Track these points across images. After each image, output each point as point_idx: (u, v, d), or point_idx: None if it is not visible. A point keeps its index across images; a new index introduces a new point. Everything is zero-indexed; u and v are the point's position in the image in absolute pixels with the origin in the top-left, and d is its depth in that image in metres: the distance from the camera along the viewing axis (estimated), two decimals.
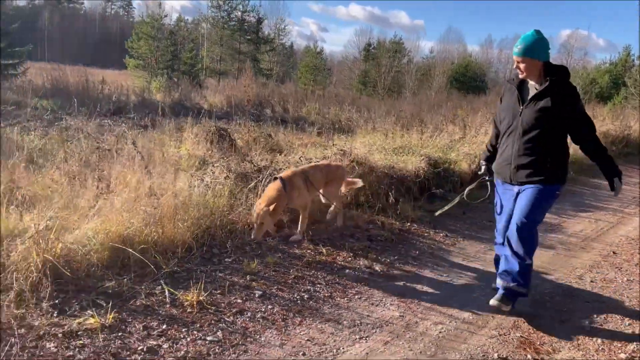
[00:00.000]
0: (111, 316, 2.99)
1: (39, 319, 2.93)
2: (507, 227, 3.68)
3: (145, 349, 2.81)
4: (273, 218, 4.36)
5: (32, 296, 3.09)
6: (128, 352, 2.77)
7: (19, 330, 2.80)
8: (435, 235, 5.41)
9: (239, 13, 31.10)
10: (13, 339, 2.72)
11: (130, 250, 3.68)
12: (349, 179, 5.37)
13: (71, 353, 2.69)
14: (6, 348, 2.65)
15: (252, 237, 4.32)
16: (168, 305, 3.29)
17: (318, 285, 3.90)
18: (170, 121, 13.14)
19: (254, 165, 5.56)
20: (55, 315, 2.99)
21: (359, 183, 5.32)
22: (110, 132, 10.15)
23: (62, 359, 2.63)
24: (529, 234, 3.50)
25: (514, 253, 3.54)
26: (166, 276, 3.64)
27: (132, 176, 4.78)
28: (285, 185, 4.45)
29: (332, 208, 5.20)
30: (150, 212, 4.06)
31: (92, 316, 2.98)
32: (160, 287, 3.49)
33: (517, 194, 3.57)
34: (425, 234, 5.43)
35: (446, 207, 4.49)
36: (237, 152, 7.60)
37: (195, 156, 7.06)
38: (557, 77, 3.36)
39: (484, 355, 3.13)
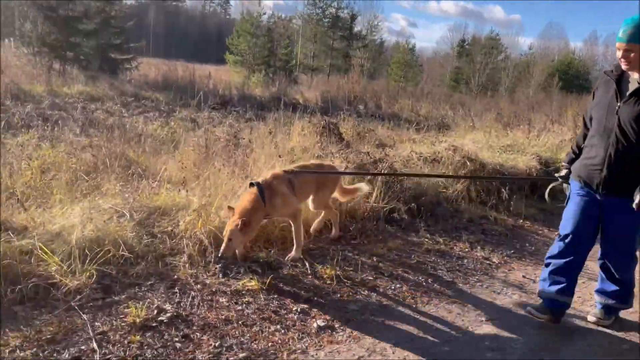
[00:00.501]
0: (268, 281, 3.48)
1: (209, 278, 3.49)
2: (577, 236, 3.22)
3: (299, 310, 3.26)
4: (245, 236, 3.58)
5: (201, 260, 3.66)
6: (285, 311, 3.24)
7: (195, 286, 3.37)
8: (550, 234, 5.46)
9: (334, 10, 31.75)
10: (192, 292, 3.29)
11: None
12: (348, 187, 4.64)
13: (240, 307, 3.20)
14: (189, 299, 3.21)
15: (220, 254, 3.51)
16: (310, 276, 3.74)
17: (440, 271, 4.18)
18: (273, 114, 13.93)
19: (370, 157, 5.91)
20: (220, 276, 3.53)
21: (363, 189, 4.54)
22: (220, 123, 11.03)
23: (234, 311, 3.15)
24: (629, 261, 3.30)
25: (614, 279, 3.35)
26: (303, 252, 4.09)
27: (264, 163, 5.35)
28: (262, 192, 3.67)
29: (320, 217, 4.49)
30: None
31: (252, 279, 3.49)
32: (300, 260, 3.95)
33: (602, 206, 3.13)
34: (540, 232, 5.51)
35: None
36: (346, 145, 8.04)
37: (305, 148, 7.56)
38: None
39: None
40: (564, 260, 3.29)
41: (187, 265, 3.55)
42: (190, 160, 6.01)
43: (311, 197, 4.24)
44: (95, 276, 3.17)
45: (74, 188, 4.52)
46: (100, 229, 3.57)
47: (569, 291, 3.34)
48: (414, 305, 3.56)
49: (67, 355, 2.54)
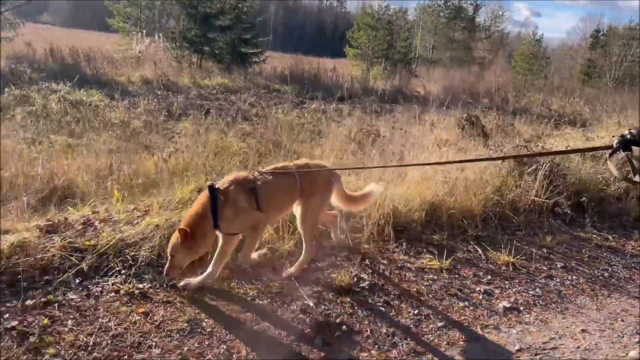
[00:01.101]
0: (448, 262, 3.73)
1: (391, 254, 3.82)
2: None
3: (482, 290, 3.47)
4: (189, 250, 2.93)
5: (379, 238, 4.01)
6: (468, 290, 3.47)
7: (382, 261, 3.72)
8: None
9: (456, 1, 31.00)
10: (382, 266, 3.64)
11: (439, 213, 4.43)
12: (354, 193, 3.66)
13: (426, 283, 3.50)
14: (380, 271, 3.56)
15: (164, 273, 2.94)
16: (484, 261, 3.92)
17: (614, 267, 4.14)
18: (398, 107, 14.08)
19: (527, 150, 5.90)
20: (401, 254, 3.85)
21: (375, 193, 3.61)
22: (348, 115, 11.43)
23: (422, 286, 3.44)
24: None
25: None
26: (472, 238, 4.27)
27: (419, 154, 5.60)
28: (215, 199, 2.95)
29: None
30: (449, 183, 4.77)
31: (432, 259, 3.76)
32: (471, 245, 4.14)
33: None
34: None
35: None
36: (488, 138, 8.03)
37: (446, 141, 7.66)
38: None
39: None
40: None
41: (371, 242, 3.91)
42: (337, 149, 6.49)
43: (298, 211, 3.32)
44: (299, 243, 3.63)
45: (248, 168, 5.12)
46: None
47: None
48: (594, 297, 3.60)
49: (294, 307, 3.00)
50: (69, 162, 5.21)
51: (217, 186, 2.99)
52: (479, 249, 4.07)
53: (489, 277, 3.70)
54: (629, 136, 2.11)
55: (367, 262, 3.65)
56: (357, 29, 29.14)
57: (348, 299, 3.14)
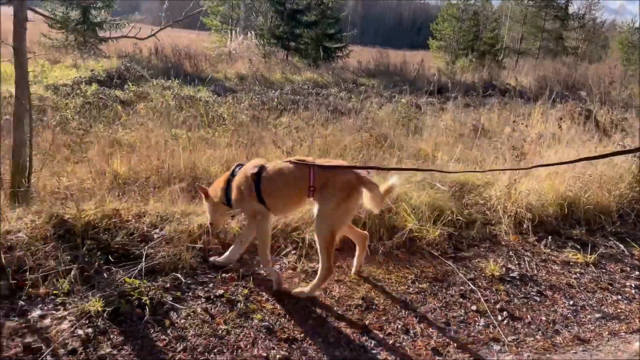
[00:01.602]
0: (592, 256, 3.79)
1: (532, 247, 3.93)
2: None
3: (633, 285, 3.52)
4: (213, 208, 3.24)
5: (516, 230, 4.12)
6: (619, 285, 3.53)
7: (526, 253, 3.84)
8: None
9: None
10: (526, 257, 3.77)
11: (575, 208, 4.46)
12: (377, 189, 2.94)
13: (575, 276, 3.59)
14: (525, 263, 3.70)
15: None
16: (629, 257, 3.94)
17: None
18: (493, 101, 13.77)
19: None
20: (542, 247, 3.95)
21: (395, 184, 3.04)
22: (441, 109, 11.38)
23: (572, 278, 3.54)
24: None
25: None
26: (610, 234, 4.28)
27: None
28: (232, 176, 3.14)
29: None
30: (582, 179, 4.76)
31: (576, 253, 3.84)
32: (611, 241, 4.16)
33: None
34: None
35: None
36: (602, 133, 7.78)
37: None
38: None
39: None
40: None
41: (509, 234, 4.04)
42: (444, 143, 6.62)
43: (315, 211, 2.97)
44: (443, 233, 3.83)
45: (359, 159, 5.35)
46: (431, 196, 4.25)
47: None
48: None
49: (452, 292, 3.21)
50: (199, 153, 5.69)
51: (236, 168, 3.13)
52: (620, 245, 4.08)
53: (637, 272, 3.72)
54: None
55: (510, 253, 3.80)
56: (442, 20, 28.64)
57: (502, 287, 3.31)
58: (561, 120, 7.25)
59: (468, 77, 21.29)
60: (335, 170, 2.92)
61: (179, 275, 2.98)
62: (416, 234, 3.79)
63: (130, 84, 11.89)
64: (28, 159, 3.80)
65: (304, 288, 2.98)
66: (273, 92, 14.17)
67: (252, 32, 20.47)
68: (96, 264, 2.95)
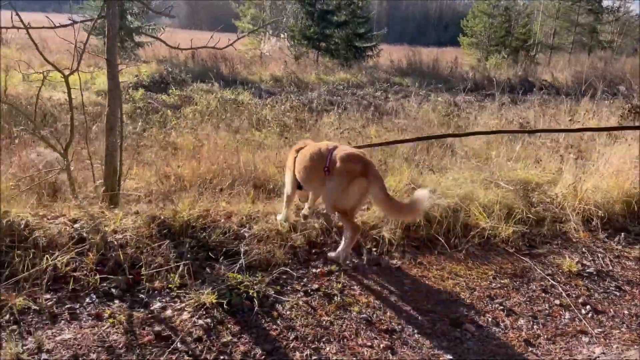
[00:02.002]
0: None
1: (603, 244, 4.04)
2: None
3: None
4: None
5: (585, 227, 4.23)
6: None
7: (598, 249, 3.95)
8: None
9: None
10: (599, 254, 3.88)
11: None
12: (399, 201, 3.43)
13: None
14: (599, 259, 3.81)
15: None
16: None
17: None
18: (533, 97, 13.68)
19: None
20: (613, 243, 4.05)
21: (421, 201, 3.17)
22: (481, 108, 11.41)
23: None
24: None
25: None
26: None
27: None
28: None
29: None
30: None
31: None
32: None
33: None
34: None
35: None
36: None
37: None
38: None
39: None
40: None
41: (579, 231, 4.15)
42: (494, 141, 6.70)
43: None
44: (517, 231, 3.97)
45: (412, 163, 5.43)
46: (498, 195, 4.38)
47: None
48: None
49: (534, 287, 3.35)
50: (255, 155, 5.88)
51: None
52: None
53: None
54: None
55: (583, 250, 3.91)
56: (473, 16, 28.46)
57: (581, 282, 3.44)
58: (621, 118, 7.27)
59: (502, 74, 21.15)
60: (345, 157, 3.27)
61: (283, 269, 3.21)
62: (490, 232, 3.93)
63: (173, 88, 12.26)
64: (119, 163, 4.08)
65: (339, 249, 3.40)
66: (310, 93, 14.40)
67: (285, 34, 20.73)
68: (198, 260, 3.19)
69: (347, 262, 3.39)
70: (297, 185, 3.64)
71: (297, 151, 3.62)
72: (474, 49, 28.39)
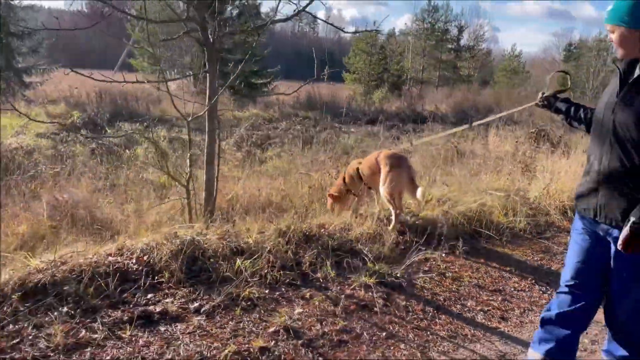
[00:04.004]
0: None
1: None
2: (581, 277, 2.63)
3: None
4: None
5: (564, 218, 5.86)
6: None
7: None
8: None
9: (442, 24, 33.95)
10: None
11: None
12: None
13: None
14: None
15: None
16: None
17: None
18: (429, 126, 15.99)
19: None
20: None
21: (419, 194, 4.62)
22: (393, 137, 13.35)
23: None
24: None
25: (623, 340, 2.61)
26: None
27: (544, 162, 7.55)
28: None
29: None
30: None
31: None
32: None
33: (606, 240, 2.45)
34: None
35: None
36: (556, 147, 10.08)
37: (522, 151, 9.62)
38: None
39: None
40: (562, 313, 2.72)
41: (562, 220, 5.77)
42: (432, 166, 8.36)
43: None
44: (528, 224, 5.44)
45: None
46: (494, 199, 5.85)
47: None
48: None
49: (558, 257, 4.80)
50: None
51: None
52: None
53: None
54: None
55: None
56: (354, 54, 31.48)
57: None
58: (535, 140, 9.40)
59: (392, 106, 23.85)
60: (385, 155, 4.79)
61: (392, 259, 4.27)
62: (508, 225, 5.34)
63: (107, 129, 12.38)
64: (215, 189, 4.80)
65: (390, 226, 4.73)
66: (235, 129, 15.22)
67: (190, 72, 21.26)
68: (333, 258, 4.11)
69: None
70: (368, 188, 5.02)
71: (358, 165, 5.04)
72: (357, 84, 31.29)
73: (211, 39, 4.63)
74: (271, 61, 29.06)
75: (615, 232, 2.35)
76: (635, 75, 2.28)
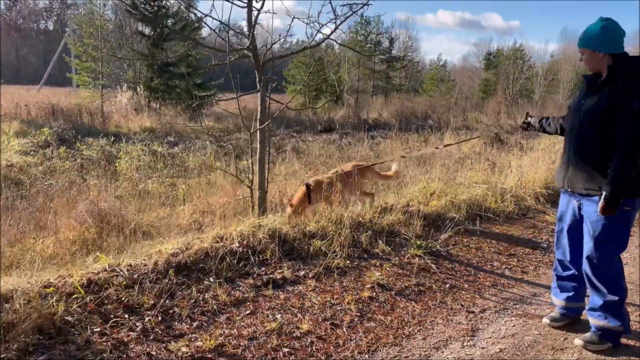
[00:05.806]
0: None
1: (549, 209, 7.08)
2: (568, 245, 3.55)
3: None
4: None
5: (537, 202, 7.25)
6: None
7: (548, 212, 6.95)
8: None
9: (374, 36, 36.00)
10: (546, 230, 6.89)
11: None
12: (386, 173, 6.72)
13: None
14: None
15: None
16: None
17: None
18: (380, 133, 17.37)
19: None
20: (552, 208, 7.12)
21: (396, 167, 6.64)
22: (350, 144, 14.62)
23: None
24: (605, 270, 3.25)
25: (595, 288, 3.33)
26: None
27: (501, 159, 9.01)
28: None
29: None
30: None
31: None
32: None
33: (579, 208, 3.33)
34: None
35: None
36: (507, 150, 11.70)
37: (478, 152, 11.15)
38: (624, 69, 3.07)
39: None
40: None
41: (536, 204, 7.14)
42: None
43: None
44: (516, 209, 6.73)
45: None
46: (481, 190, 7.13)
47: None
48: None
49: (544, 231, 6.11)
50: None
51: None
52: None
53: None
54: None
55: (543, 213, 6.86)
56: (294, 66, 32.64)
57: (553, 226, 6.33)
58: (488, 143, 10.91)
59: (339, 116, 25.14)
60: (352, 165, 6.16)
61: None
62: (500, 209, 6.61)
63: (79, 144, 12.70)
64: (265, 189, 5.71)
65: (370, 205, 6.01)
66: (196, 140, 15.82)
67: (140, 86, 21.49)
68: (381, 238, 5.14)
69: None
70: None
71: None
72: (298, 94, 32.42)
73: (261, 63, 5.54)
74: (213, 74, 29.48)
75: (580, 199, 3.28)
76: (603, 78, 3.15)
